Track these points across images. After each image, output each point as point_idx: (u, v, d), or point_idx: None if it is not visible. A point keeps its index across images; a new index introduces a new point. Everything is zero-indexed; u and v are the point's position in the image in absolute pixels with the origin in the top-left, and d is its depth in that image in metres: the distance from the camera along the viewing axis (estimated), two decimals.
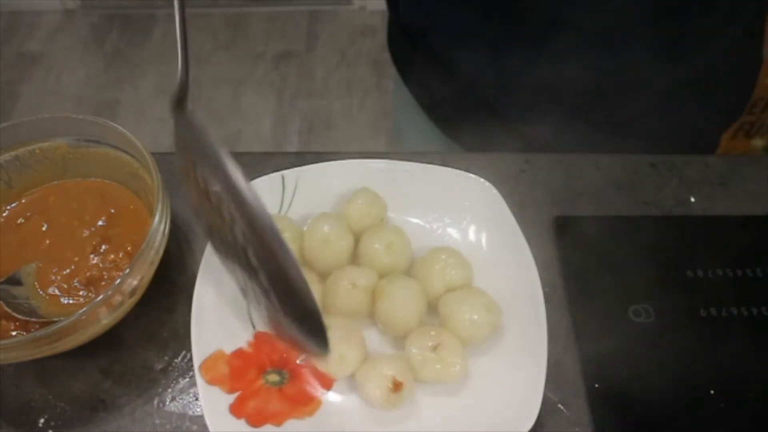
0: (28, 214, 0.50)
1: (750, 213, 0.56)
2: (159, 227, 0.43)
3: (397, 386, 0.41)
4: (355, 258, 0.50)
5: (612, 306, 0.50)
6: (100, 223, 0.49)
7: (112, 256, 0.47)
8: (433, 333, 0.44)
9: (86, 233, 0.49)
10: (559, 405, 0.45)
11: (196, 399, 0.45)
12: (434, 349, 0.43)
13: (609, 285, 0.51)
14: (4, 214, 0.50)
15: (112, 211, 0.50)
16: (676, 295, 0.50)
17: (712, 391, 0.45)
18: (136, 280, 0.42)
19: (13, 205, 0.50)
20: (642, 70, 0.59)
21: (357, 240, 0.50)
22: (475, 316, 0.44)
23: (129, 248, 0.48)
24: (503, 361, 0.45)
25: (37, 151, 0.50)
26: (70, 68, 1.95)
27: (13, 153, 0.49)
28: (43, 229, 0.49)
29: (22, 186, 0.51)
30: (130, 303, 0.43)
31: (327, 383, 0.45)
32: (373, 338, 0.47)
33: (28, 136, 0.49)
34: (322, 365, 0.44)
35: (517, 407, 0.42)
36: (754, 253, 0.53)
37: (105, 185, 0.52)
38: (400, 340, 0.46)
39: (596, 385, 0.45)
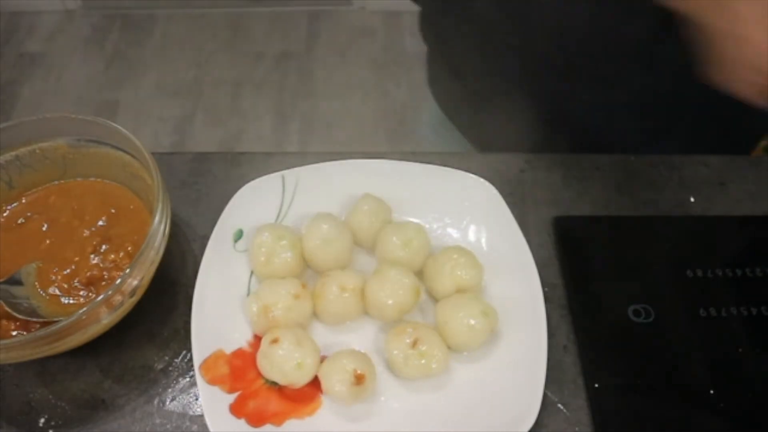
0: (29, 214, 0.50)
1: (750, 213, 0.56)
2: (159, 227, 0.43)
3: (359, 379, 0.42)
4: (372, 251, 0.51)
5: (612, 306, 0.50)
6: (100, 223, 0.49)
7: (112, 256, 0.47)
8: (409, 329, 0.44)
9: (86, 233, 0.49)
10: (559, 405, 0.45)
11: (196, 399, 0.45)
12: (413, 345, 0.43)
13: (609, 285, 0.51)
14: (5, 214, 0.50)
15: (113, 211, 0.50)
16: (676, 295, 0.50)
17: (712, 391, 0.45)
18: (136, 280, 0.42)
19: (13, 205, 0.50)
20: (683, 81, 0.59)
21: (361, 244, 0.51)
22: (473, 322, 0.44)
23: (129, 248, 0.48)
24: (503, 361, 0.45)
25: (37, 151, 0.50)
26: (70, 68, 1.94)
27: (13, 153, 0.49)
28: (44, 229, 0.49)
29: (22, 186, 0.51)
30: (130, 303, 0.43)
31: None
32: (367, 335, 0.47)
33: (28, 136, 0.49)
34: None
35: (517, 407, 0.42)
36: (754, 253, 0.53)
37: (105, 185, 0.52)
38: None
39: (596, 385, 0.45)
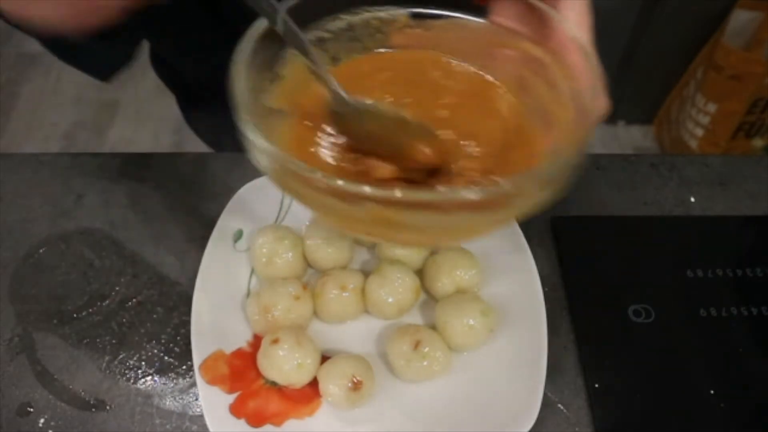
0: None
1: (750, 213, 0.56)
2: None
3: (356, 385, 0.42)
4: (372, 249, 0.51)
5: (612, 306, 0.50)
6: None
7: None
8: (411, 332, 0.44)
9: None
10: (559, 405, 0.45)
11: (196, 399, 0.45)
12: (415, 347, 0.43)
13: (609, 285, 0.51)
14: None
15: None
16: (676, 295, 0.50)
17: (712, 391, 0.45)
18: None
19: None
20: None
21: (362, 242, 0.51)
22: (472, 322, 0.44)
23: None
24: (503, 361, 0.45)
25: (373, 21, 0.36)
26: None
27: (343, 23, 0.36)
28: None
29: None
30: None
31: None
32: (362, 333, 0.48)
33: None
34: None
35: (517, 407, 0.42)
36: (754, 253, 0.53)
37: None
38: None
39: (596, 385, 0.45)
